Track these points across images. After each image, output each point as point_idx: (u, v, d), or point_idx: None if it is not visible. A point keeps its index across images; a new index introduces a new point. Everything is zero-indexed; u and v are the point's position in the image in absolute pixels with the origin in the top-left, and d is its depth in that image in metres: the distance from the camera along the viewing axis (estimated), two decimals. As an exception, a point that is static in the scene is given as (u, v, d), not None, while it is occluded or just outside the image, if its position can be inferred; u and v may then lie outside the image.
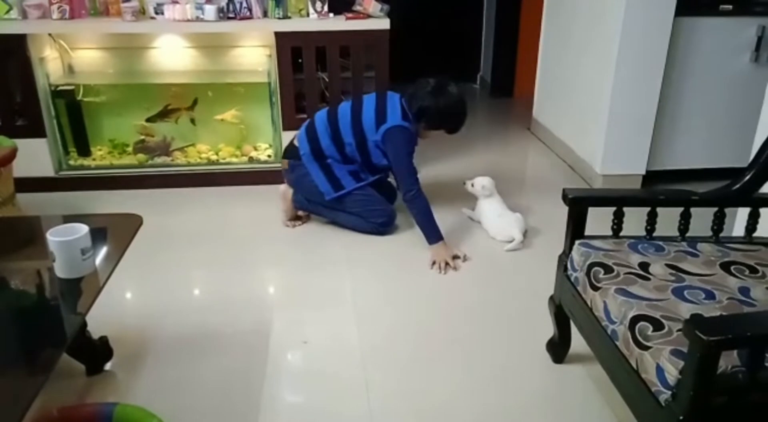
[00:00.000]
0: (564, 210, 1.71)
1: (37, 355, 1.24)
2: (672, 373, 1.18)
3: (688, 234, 1.71)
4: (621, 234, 1.71)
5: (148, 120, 3.29)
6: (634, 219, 1.74)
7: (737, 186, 1.68)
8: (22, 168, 2.72)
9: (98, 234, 1.53)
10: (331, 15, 3.07)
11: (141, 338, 2.01)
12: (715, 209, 1.71)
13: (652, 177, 3.23)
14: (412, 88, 2.63)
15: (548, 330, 1.90)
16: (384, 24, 3.05)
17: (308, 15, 3.07)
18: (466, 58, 5.42)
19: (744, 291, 1.41)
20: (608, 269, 1.52)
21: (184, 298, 2.29)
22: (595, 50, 3.22)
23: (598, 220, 1.77)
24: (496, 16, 4.93)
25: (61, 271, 1.40)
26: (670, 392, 1.18)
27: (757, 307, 1.35)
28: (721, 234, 1.72)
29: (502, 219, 2.69)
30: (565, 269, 1.70)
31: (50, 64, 3.07)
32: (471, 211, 2.85)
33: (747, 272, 1.50)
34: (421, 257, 2.51)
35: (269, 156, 3.36)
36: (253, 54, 3.26)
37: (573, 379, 1.83)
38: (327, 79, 3.20)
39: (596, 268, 1.54)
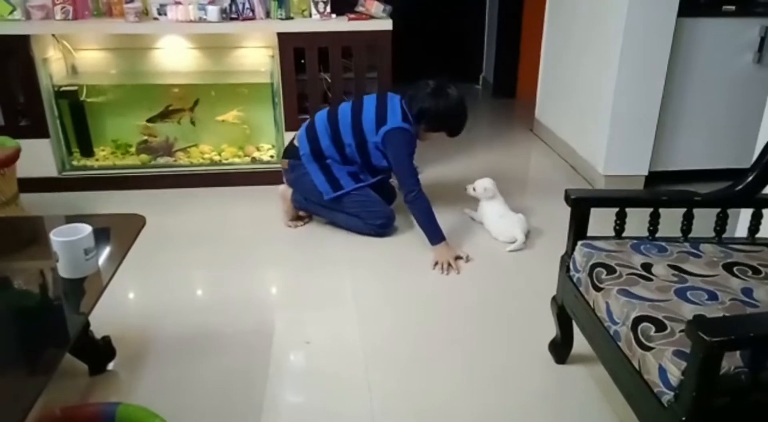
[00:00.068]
0: (566, 210, 1.71)
1: (40, 355, 1.24)
2: (674, 374, 1.18)
3: (690, 235, 1.70)
4: (623, 234, 1.71)
5: (149, 120, 3.30)
6: (637, 220, 1.73)
7: (740, 187, 1.68)
8: (25, 168, 2.73)
9: (101, 235, 1.54)
10: (334, 16, 3.08)
11: (143, 338, 2.01)
12: (718, 210, 1.71)
13: (654, 178, 3.23)
14: (412, 90, 2.63)
15: (550, 330, 1.90)
16: (386, 25, 3.05)
17: (311, 16, 3.08)
18: (469, 58, 5.42)
19: (747, 292, 1.41)
20: (611, 270, 1.52)
21: (185, 298, 2.29)
22: (598, 51, 3.22)
23: (601, 221, 1.77)
24: (498, 17, 4.93)
25: (64, 271, 1.41)
26: (672, 393, 1.18)
27: (759, 308, 1.35)
28: (724, 235, 1.72)
29: (504, 220, 2.69)
30: (568, 270, 1.70)
31: (53, 65, 3.08)
32: (473, 211, 2.85)
33: (750, 273, 1.50)
34: (421, 257, 2.51)
35: (271, 156, 3.36)
36: (255, 54, 3.26)
37: (574, 380, 1.83)
38: (329, 80, 3.20)
39: (599, 269, 1.54)
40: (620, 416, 1.67)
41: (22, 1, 2.87)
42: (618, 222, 1.71)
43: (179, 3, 2.92)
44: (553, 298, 1.83)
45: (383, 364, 1.90)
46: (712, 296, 1.39)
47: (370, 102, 2.66)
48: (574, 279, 1.66)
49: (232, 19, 2.99)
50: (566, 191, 1.69)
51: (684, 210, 1.70)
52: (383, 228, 2.68)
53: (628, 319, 1.35)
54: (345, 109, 2.68)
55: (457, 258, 2.49)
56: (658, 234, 1.71)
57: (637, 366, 1.30)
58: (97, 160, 3.32)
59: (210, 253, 2.58)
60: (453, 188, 3.08)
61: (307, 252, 2.62)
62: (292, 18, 3.05)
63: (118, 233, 1.66)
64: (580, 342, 1.73)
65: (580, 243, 1.67)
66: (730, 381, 1.14)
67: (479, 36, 5.34)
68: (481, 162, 3.63)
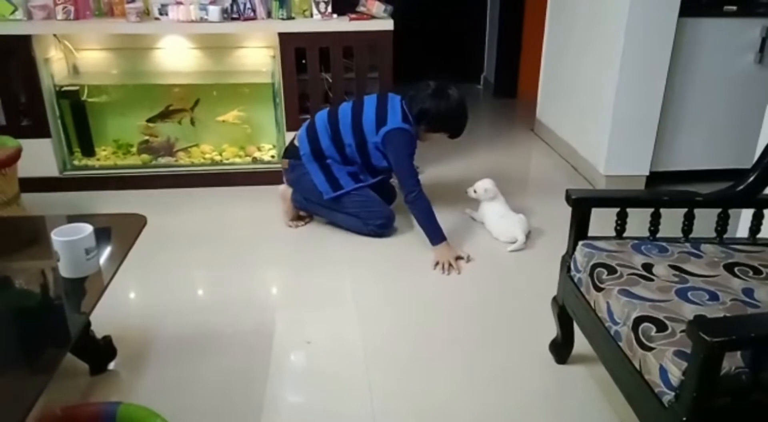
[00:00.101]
0: (567, 211, 1.71)
1: (41, 354, 1.24)
2: (675, 374, 1.18)
3: (691, 236, 1.70)
4: (624, 235, 1.71)
5: (148, 120, 3.30)
6: (638, 220, 1.73)
7: (741, 187, 1.68)
8: (26, 168, 2.73)
9: (102, 234, 1.54)
10: (335, 16, 3.08)
11: (143, 338, 2.02)
12: (719, 210, 1.71)
13: (655, 178, 3.23)
14: (413, 90, 2.63)
15: (550, 330, 1.90)
16: (387, 25, 3.05)
17: (312, 16, 3.08)
18: (470, 58, 5.43)
19: (748, 292, 1.41)
20: (611, 270, 1.52)
21: (186, 298, 2.29)
22: (599, 51, 3.21)
23: (602, 221, 1.77)
24: (499, 17, 4.93)
25: (65, 271, 1.41)
26: (673, 393, 1.18)
27: (760, 308, 1.35)
28: (725, 236, 1.72)
29: (505, 220, 2.68)
30: (569, 270, 1.70)
31: (55, 65, 3.08)
32: (474, 211, 2.85)
33: (751, 273, 1.49)
34: (422, 257, 2.51)
35: (272, 156, 3.36)
36: (256, 55, 3.26)
37: (575, 380, 1.83)
38: (330, 80, 3.20)
39: (599, 269, 1.54)
40: (621, 416, 1.67)
41: (24, 1, 2.88)
42: (619, 222, 1.71)
43: (180, 3, 2.92)
44: (554, 298, 1.83)
45: (383, 364, 1.90)
46: (713, 296, 1.39)
47: (370, 102, 2.66)
48: (575, 280, 1.66)
49: (233, 19, 2.99)
50: (567, 191, 1.69)
51: (685, 210, 1.70)
52: (383, 228, 2.68)
53: (629, 319, 1.35)
54: (345, 109, 2.68)
55: (458, 258, 2.49)
56: (659, 235, 1.71)
57: (637, 367, 1.30)
58: (98, 159, 3.32)
59: (210, 253, 2.59)
60: (453, 188, 3.08)
61: (308, 252, 2.62)
62: (293, 18, 3.05)
63: (119, 233, 1.66)
64: (580, 342, 1.73)
65: (580, 243, 1.67)
66: (731, 382, 1.14)
67: (480, 36, 5.35)
68: (482, 162, 3.63)
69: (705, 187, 1.82)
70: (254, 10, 3.00)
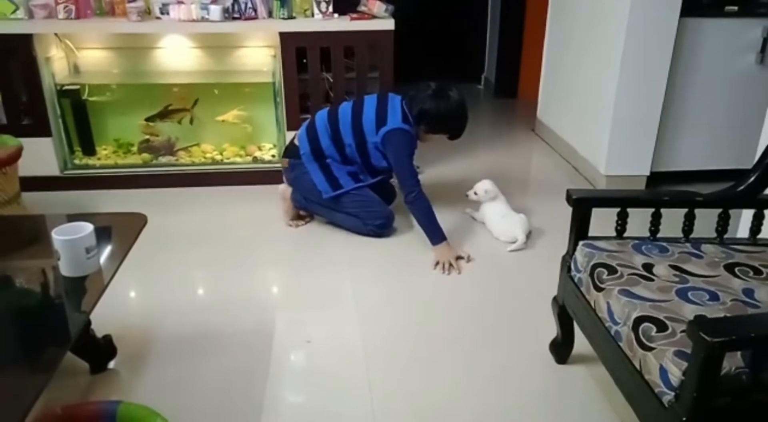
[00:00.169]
0: (568, 211, 1.71)
1: (41, 353, 1.24)
2: (675, 374, 1.18)
3: (692, 236, 1.70)
4: (625, 235, 1.71)
5: (147, 119, 3.30)
6: (638, 221, 1.73)
7: (742, 187, 1.68)
8: (27, 167, 2.73)
9: (103, 233, 1.54)
10: (336, 15, 3.08)
11: (144, 337, 2.02)
12: (720, 210, 1.71)
13: (656, 178, 3.23)
14: (413, 91, 2.63)
15: (551, 330, 1.90)
16: (389, 25, 3.05)
17: (313, 15, 3.08)
18: (471, 58, 5.42)
19: (748, 292, 1.41)
20: (612, 270, 1.52)
21: (186, 297, 2.29)
22: (600, 51, 3.21)
23: (602, 221, 1.77)
24: (500, 16, 4.93)
25: (65, 270, 1.41)
26: (673, 393, 1.18)
27: (761, 309, 1.35)
28: (726, 236, 1.72)
29: (505, 220, 2.68)
30: (569, 270, 1.70)
31: (56, 64, 3.08)
32: (474, 211, 2.85)
33: (751, 273, 1.49)
34: (422, 257, 2.51)
35: (273, 156, 3.36)
36: (257, 54, 3.26)
37: (575, 380, 1.83)
38: (331, 80, 3.20)
39: (600, 269, 1.54)
40: (621, 416, 1.67)
41: (25, 0, 2.88)
42: (619, 222, 1.70)
43: (182, 2, 2.92)
44: (554, 298, 1.83)
45: (383, 364, 1.90)
46: (714, 296, 1.39)
47: (370, 102, 2.65)
48: (575, 280, 1.66)
49: (234, 18, 2.99)
50: (568, 191, 1.69)
51: (685, 210, 1.70)
52: (382, 228, 2.68)
53: (629, 319, 1.35)
54: (345, 108, 2.68)
55: (458, 258, 2.49)
56: (659, 235, 1.71)
57: (638, 367, 1.30)
58: (98, 158, 3.32)
59: (211, 253, 2.59)
60: (453, 188, 3.07)
61: (308, 252, 2.62)
62: (294, 17, 3.06)
63: (120, 232, 1.66)
64: (580, 342, 1.73)
65: (581, 243, 1.67)
66: (731, 382, 1.14)
67: (481, 36, 5.35)
68: (483, 162, 3.63)
69: (706, 188, 1.82)
70: (255, 10, 3.00)
